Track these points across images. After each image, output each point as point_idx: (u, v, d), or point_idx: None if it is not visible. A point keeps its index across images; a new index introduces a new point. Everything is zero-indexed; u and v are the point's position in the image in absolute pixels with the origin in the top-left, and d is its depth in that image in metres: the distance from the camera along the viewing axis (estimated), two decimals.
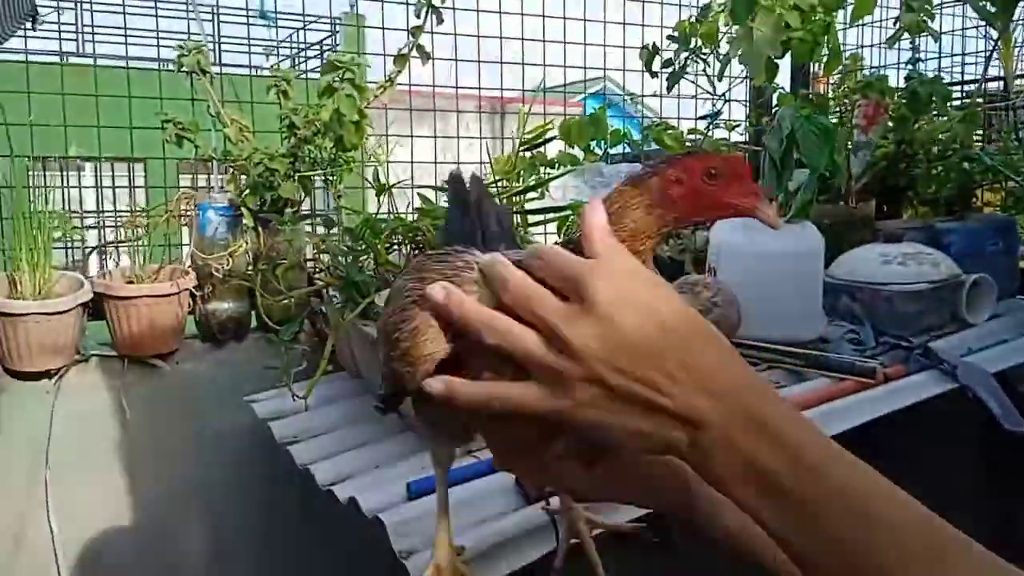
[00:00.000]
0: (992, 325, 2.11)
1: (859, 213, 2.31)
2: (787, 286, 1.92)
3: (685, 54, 2.31)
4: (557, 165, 2.38)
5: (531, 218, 1.69)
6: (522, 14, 2.60)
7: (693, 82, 2.36)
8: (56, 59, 2.31)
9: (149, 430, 2.01)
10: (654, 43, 2.39)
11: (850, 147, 2.29)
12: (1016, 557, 0.57)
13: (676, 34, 2.31)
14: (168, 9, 2.31)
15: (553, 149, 2.56)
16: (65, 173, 2.48)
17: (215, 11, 2.26)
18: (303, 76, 2.40)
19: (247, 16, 2.30)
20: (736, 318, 1.85)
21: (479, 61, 2.54)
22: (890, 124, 2.39)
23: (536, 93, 2.56)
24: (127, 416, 1.95)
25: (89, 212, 2.50)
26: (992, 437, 1.76)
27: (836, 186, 2.34)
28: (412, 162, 2.35)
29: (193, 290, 1.95)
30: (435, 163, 2.40)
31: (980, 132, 2.81)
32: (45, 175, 2.24)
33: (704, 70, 2.33)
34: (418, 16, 2.25)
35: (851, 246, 2.21)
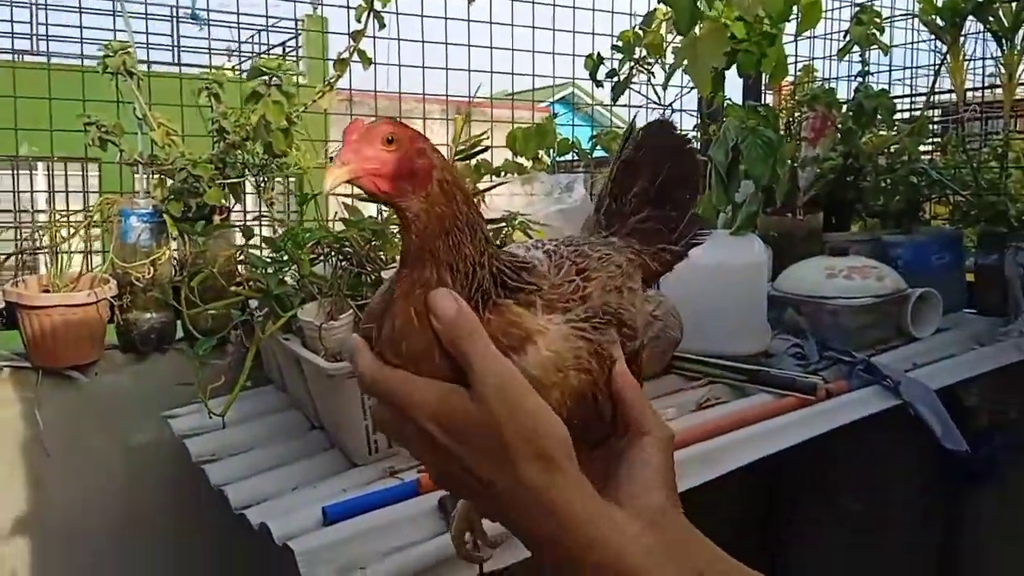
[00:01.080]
0: (938, 339, 2.09)
1: (806, 226, 2.28)
2: (731, 299, 1.88)
3: (629, 64, 2.27)
4: (503, 173, 2.32)
5: None
6: (490, 22, 2.54)
7: (639, 92, 2.33)
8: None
9: (63, 444, 1.90)
10: (598, 52, 2.35)
11: (797, 160, 2.26)
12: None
13: (620, 43, 2.27)
14: (92, 12, 2.21)
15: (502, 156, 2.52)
16: (16, 173, 2.38)
17: (144, 11, 2.16)
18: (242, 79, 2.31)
19: (175, 17, 2.21)
20: (678, 332, 1.80)
21: (446, 68, 2.48)
22: (838, 137, 2.37)
23: (485, 98, 2.50)
24: (40, 429, 1.84)
25: (33, 212, 2.38)
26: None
27: (784, 199, 2.31)
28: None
29: (112, 300, 1.85)
30: None
31: (931, 144, 2.81)
32: None
33: (650, 80, 2.29)
34: (359, 20, 2.19)
35: (798, 259, 2.18)
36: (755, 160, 1.78)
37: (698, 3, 1.70)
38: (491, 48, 2.53)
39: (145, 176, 2.08)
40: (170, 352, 1.98)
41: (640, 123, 0.91)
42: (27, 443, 1.88)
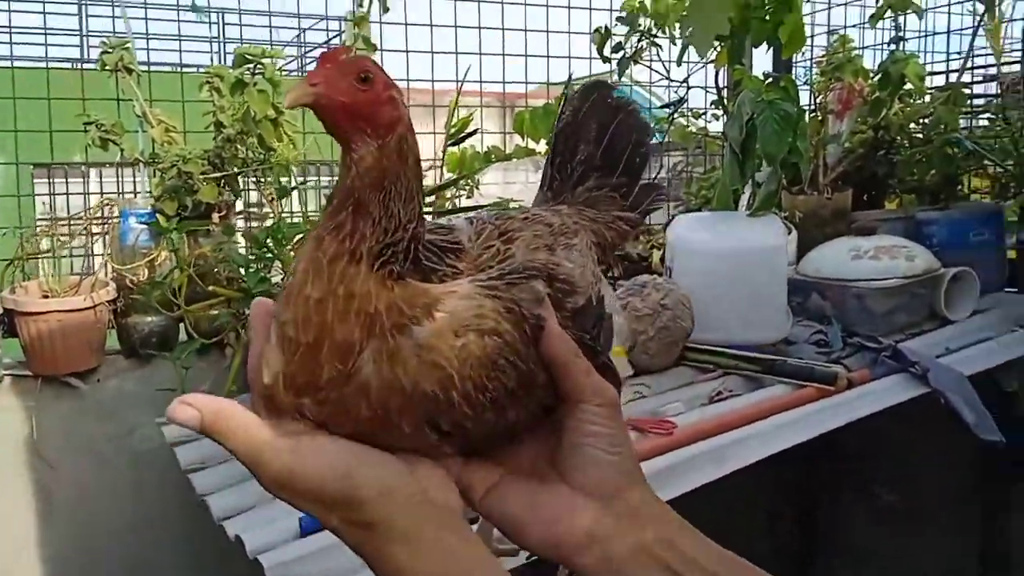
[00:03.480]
0: (974, 321, 1.96)
1: (833, 205, 2.16)
2: (749, 285, 1.77)
3: (636, 37, 2.16)
4: (513, 160, 2.25)
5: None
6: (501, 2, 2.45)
7: (651, 67, 2.21)
8: None
9: (68, 453, 1.88)
10: (605, 26, 2.24)
11: (821, 135, 2.14)
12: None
13: (624, 14, 2.16)
14: (95, 3, 2.19)
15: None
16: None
17: (144, 6, 2.12)
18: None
19: (178, 11, 2.17)
20: (689, 321, 1.71)
21: (455, 53, 2.40)
22: (867, 109, 2.24)
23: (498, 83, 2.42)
24: (35, 439, 1.82)
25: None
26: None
27: (810, 176, 2.19)
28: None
29: (107, 304, 1.82)
30: None
31: (969, 114, 2.64)
32: None
33: (658, 54, 2.18)
34: (361, 5, 2.13)
35: (825, 240, 2.06)
36: (770, 136, 1.67)
37: None
38: (502, 30, 2.45)
39: (147, 176, 2.05)
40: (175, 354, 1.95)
41: (573, 86, 0.83)
42: (32, 454, 1.87)
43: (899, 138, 2.35)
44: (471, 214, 0.70)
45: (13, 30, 2.10)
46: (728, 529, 0.62)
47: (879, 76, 2.20)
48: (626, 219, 0.80)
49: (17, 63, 2.14)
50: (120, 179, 2.08)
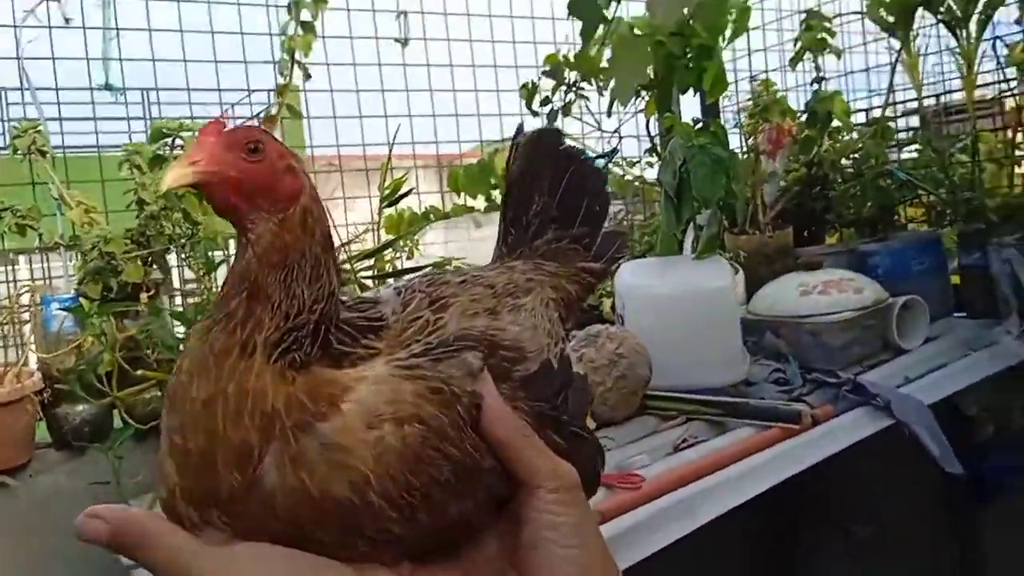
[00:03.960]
0: (928, 349, 1.96)
1: (775, 242, 2.16)
2: (702, 327, 1.75)
3: (563, 90, 2.17)
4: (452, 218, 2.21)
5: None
6: (427, 65, 2.44)
7: (579, 119, 2.22)
8: None
9: (4, 557, 1.74)
10: (532, 80, 2.25)
11: (756, 175, 2.15)
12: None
13: (547, 68, 2.17)
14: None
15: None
16: None
17: (55, 86, 2.05)
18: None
19: (91, 91, 2.10)
20: (647, 369, 1.67)
21: (385, 117, 2.37)
22: (797, 147, 2.27)
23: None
24: None
25: None
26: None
27: (746, 216, 2.20)
28: None
29: (33, 395, 1.70)
30: None
31: (896, 145, 2.71)
32: None
33: (587, 106, 2.19)
34: (282, 74, 2.09)
35: (771, 277, 2.06)
36: (704, 179, 1.67)
37: (608, 13, 1.60)
38: (430, 91, 2.44)
39: (67, 260, 1.96)
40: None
41: (521, 136, 0.76)
42: None
43: (832, 174, 2.38)
44: (400, 282, 0.63)
45: None
46: None
47: (807, 115, 2.24)
48: (590, 270, 0.74)
49: None
50: (48, 264, 1.98)
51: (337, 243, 1.75)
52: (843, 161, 2.41)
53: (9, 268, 2.30)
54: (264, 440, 0.48)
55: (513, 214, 0.74)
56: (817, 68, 2.54)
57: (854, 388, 1.67)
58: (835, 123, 2.35)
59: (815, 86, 2.48)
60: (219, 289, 0.53)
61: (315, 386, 0.49)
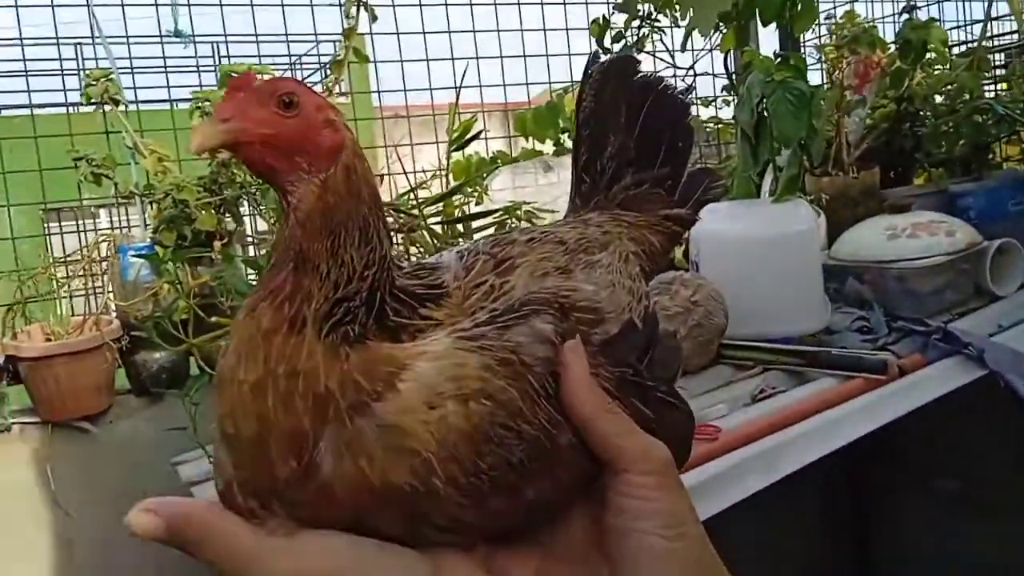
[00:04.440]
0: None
1: (860, 184, 2.05)
2: (781, 274, 1.68)
3: (636, 24, 2.07)
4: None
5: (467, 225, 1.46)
6: (495, 3, 2.37)
7: (652, 55, 2.12)
8: None
9: (85, 501, 1.81)
10: (603, 15, 2.15)
11: (841, 111, 2.04)
12: None
13: (621, 1, 2.07)
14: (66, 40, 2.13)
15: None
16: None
17: (126, 36, 2.06)
18: None
19: (161, 42, 2.10)
20: (723, 317, 1.61)
21: (452, 59, 2.32)
22: (886, 81, 2.14)
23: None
24: (52, 488, 1.75)
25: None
26: None
27: (832, 156, 2.09)
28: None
29: (111, 343, 1.74)
30: (386, 175, 2.18)
31: (994, 79, 2.53)
32: None
33: (662, 41, 2.09)
34: (348, 17, 2.05)
35: (855, 221, 1.96)
36: (785, 117, 1.58)
37: None
38: (498, 31, 2.37)
39: (144, 209, 1.98)
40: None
41: (594, 67, 0.68)
42: (48, 503, 1.79)
43: (924, 110, 2.24)
44: (463, 246, 0.57)
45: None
46: (780, 534, 0.50)
47: (900, 45, 2.10)
48: (675, 218, 0.66)
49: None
50: (127, 216, 2.01)
51: (405, 189, 1.72)
52: (936, 96, 2.26)
53: (90, 222, 2.35)
54: (318, 424, 0.44)
55: (587, 158, 0.67)
56: None
57: (944, 336, 1.58)
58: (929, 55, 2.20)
59: (905, 15, 2.33)
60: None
61: (371, 363, 0.45)
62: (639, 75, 0.68)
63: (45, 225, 2.41)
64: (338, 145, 0.48)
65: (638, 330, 0.55)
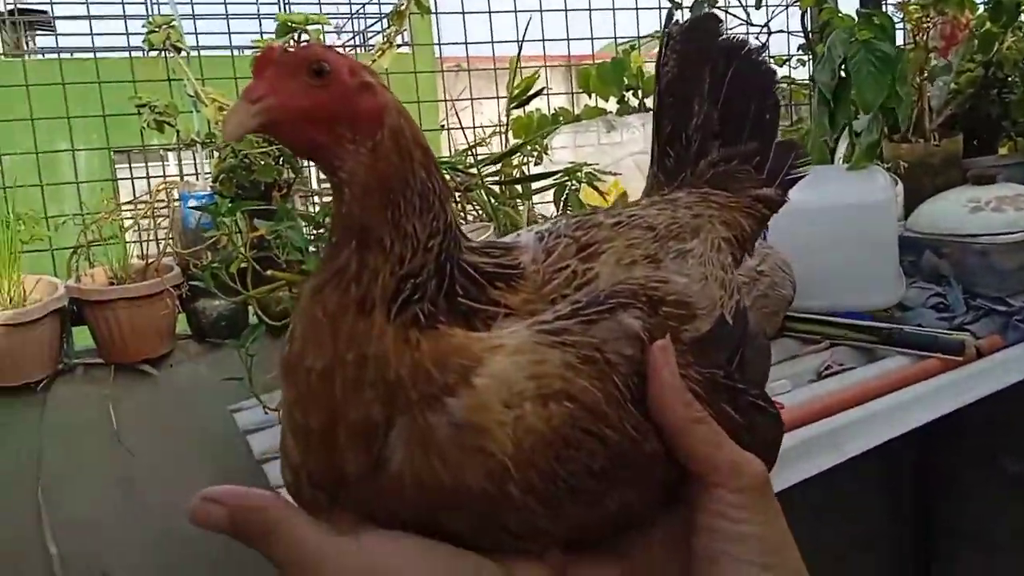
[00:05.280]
0: None
1: (942, 152, 1.95)
2: (854, 245, 1.61)
3: None
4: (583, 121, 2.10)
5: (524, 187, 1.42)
6: None
7: (725, 10, 2.03)
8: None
9: (147, 441, 1.85)
10: None
11: (925, 75, 1.93)
12: None
13: None
14: None
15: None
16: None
17: None
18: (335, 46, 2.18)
19: None
20: (790, 288, 1.55)
21: (515, 11, 2.26)
22: (974, 44, 2.01)
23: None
24: (114, 427, 1.79)
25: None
26: None
27: (913, 122, 1.99)
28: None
29: (172, 289, 1.76)
30: (445, 129, 2.15)
31: None
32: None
33: None
34: None
35: (935, 191, 1.86)
36: (866, 80, 1.49)
37: None
38: None
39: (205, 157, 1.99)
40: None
41: (674, 27, 0.62)
42: (112, 442, 1.84)
43: (1013, 75, 2.11)
44: (544, 226, 0.53)
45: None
46: (843, 514, 0.46)
47: (990, 6, 1.97)
48: (765, 199, 0.61)
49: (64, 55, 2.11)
50: (195, 160, 2.02)
51: (464, 146, 1.68)
52: None
53: (157, 165, 2.37)
54: (388, 414, 0.42)
55: (671, 129, 0.62)
56: None
57: None
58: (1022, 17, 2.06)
59: None
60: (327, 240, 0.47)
61: (443, 353, 0.42)
62: (722, 37, 0.63)
63: (114, 167, 2.44)
64: (380, 108, 0.45)
65: (729, 328, 0.51)
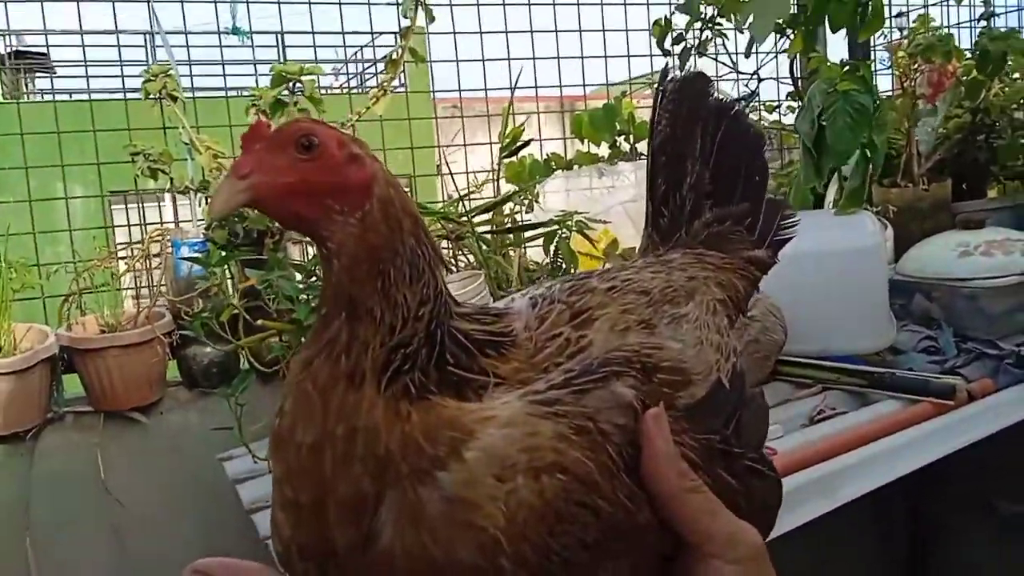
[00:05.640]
0: None
1: (931, 196, 1.97)
2: (844, 289, 1.61)
3: (698, 26, 2.01)
4: (575, 167, 2.12)
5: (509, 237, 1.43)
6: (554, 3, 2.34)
7: (714, 59, 2.06)
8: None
9: (135, 491, 1.83)
10: (665, 16, 2.09)
11: (911, 121, 1.95)
12: None
13: (684, 3, 2.01)
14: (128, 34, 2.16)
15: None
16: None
17: (184, 31, 2.08)
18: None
19: (219, 35, 2.11)
20: (781, 333, 1.55)
21: (508, 60, 2.29)
22: (961, 91, 2.05)
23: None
24: (102, 476, 1.77)
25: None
26: None
27: (902, 167, 2.01)
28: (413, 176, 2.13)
29: (162, 337, 1.76)
30: (439, 174, 2.17)
31: None
32: None
33: (724, 45, 2.03)
34: (406, 16, 2.04)
35: (924, 235, 1.88)
36: (841, 131, 1.52)
37: None
38: (556, 32, 2.33)
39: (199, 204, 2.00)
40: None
41: (669, 83, 0.63)
42: (100, 491, 1.81)
43: (1000, 121, 2.15)
44: (536, 290, 0.52)
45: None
46: (833, 554, 0.45)
47: (977, 55, 2.00)
48: (758, 261, 0.62)
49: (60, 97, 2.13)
50: (190, 203, 2.03)
51: (456, 194, 1.69)
52: (1013, 107, 2.17)
53: (153, 206, 2.37)
54: (378, 488, 0.41)
55: (664, 189, 0.62)
56: (986, 2, 2.28)
57: (1017, 361, 1.50)
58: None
59: (983, 23, 2.23)
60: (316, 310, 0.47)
61: (434, 425, 0.42)
62: (712, 97, 0.64)
63: (109, 208, 2.44)
64: (368, 179, 0.45)
65: (725, 392, 0.51)
